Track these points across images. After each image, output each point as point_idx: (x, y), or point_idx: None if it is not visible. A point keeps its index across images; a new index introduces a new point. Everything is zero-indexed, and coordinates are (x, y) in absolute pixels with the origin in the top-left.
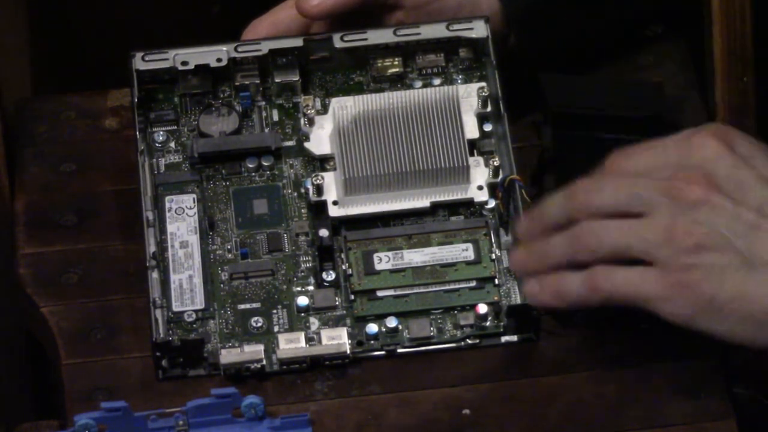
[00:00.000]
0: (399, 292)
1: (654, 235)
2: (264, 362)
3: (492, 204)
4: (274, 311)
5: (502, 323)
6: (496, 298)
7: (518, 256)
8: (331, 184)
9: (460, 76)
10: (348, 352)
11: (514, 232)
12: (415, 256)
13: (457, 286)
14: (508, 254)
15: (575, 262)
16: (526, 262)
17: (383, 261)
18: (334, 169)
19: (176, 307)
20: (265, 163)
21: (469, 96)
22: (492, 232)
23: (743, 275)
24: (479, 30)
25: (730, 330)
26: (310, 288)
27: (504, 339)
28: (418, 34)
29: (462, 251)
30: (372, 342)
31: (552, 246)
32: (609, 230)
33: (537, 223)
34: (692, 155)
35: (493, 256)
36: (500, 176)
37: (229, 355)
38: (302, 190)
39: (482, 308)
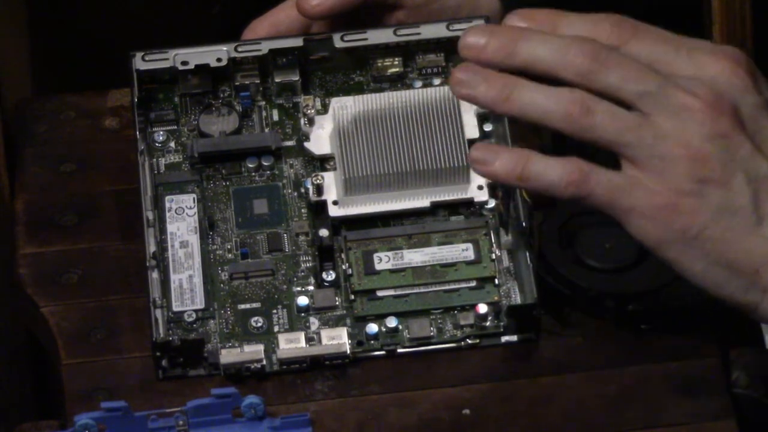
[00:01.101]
0: (399, 292)
1: (663, 145)
2: (264, 362)
3: (492, 204)
4: (274, 311)
5: (502, 323)
6: (496, 298)
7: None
8: (331, 184)
9: None
10: (348, 352)
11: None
12: (415, 256)
13: (457, 286)
14: (502, 249)
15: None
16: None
17: (383, 261)
18: (334, 169)
19: (176, 307)
20: (265, 163)
21: None
22: (492, 232)
23: (741, 222)
24: None
25: (701, 270)
26: (310, 288)
27: (504, 339)
28: (418, 34)
29: (462, 251)
30: (372, 342)
31: (536, 99)
32: (611, 117)
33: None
34: (720, 76)
35: (493, 256)
36: None
37: (229, 355)
38: (302, 190)
39: (482, 308)
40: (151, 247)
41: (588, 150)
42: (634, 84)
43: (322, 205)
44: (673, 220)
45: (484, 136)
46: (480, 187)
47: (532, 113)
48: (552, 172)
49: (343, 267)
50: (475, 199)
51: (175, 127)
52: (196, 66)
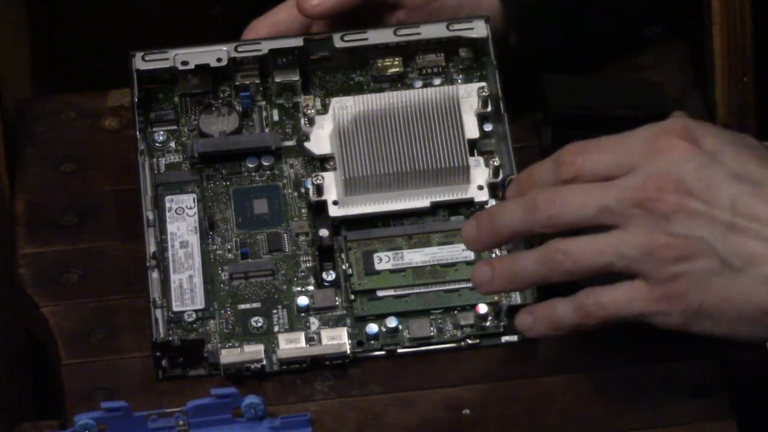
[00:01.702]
0: (399, 292)
1: (633, 250)
2: (264, 362)
3: (492, 204)
4: (274, 311)
5: (502, 323)
6: (496, 298)
7: (483, 275)
8: (331, 184)
9: (461, 76)
10: (348, 352)
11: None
12: (415, 256)
13: (457, 286)
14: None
15: (552, 282)
16: (492, 282)
17: (383, 261)
18: (334, 169)
19: (176, 307)
20: (265, 163)
21: (469, 96)
22: None
23: (727, 277)
24: (479, 30)
25: (728, 330)
26: (310, 288)
27: (504, 339)
28: (419, 34)
29: (462, 251)
30: (372, 342)
31: (524, 267)
32: (584, 251)
33: (493, 236)
34: (659, 159)
35: (493, 256)
36: (500, 176)
37: (229, 355)
38: (302, 190)
39: (482, 308)
40: (151, 247)
41: None
42: (586, 209)
43: (322, 205)
44: (676, 304)
45: (484, 135)
46: (480, 187)
47: (526, 284)
48: (567, 313)
49: (343, 267)
50: (475, 199)
51: (175, 127)
52: (196, 66)
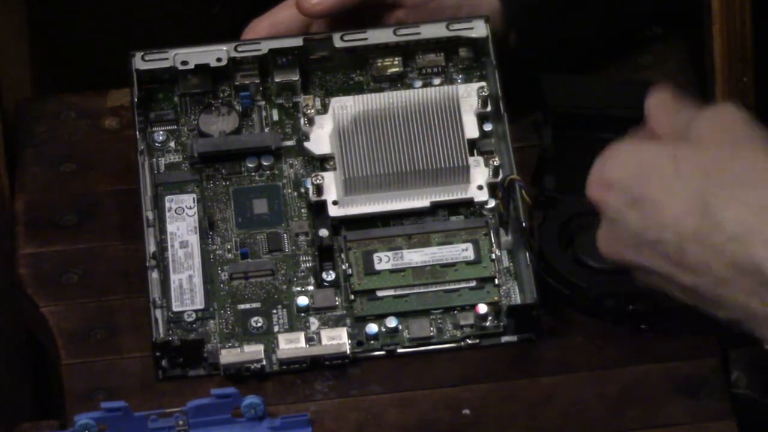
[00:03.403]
0: (399, 292)
1: None
2: (264, 362)
3: (492, 204)
4: (274, 311)
5: (502, 323)
6: (496, 298)
7: None
8: (331, 183)
9: (460, 76)
10: (348, 352)
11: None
12: (415, 256)
13: (457, 286)
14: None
15: None
16: None
17: (383, 261)
18: (334, 169)
19: (176, 307)
20: (265, 163)
21: (469, 96)
22: (492, 232)
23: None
24: (479, 30)
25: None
26: (310, 288)
27: (504, 339)
28: (418, 33)
29: (462, 251)
30: (372, 342)
31: None
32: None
33: None
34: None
35: (493, 256)
36: (500, 176)
37: (229, 355)
38: (302, 190)
39: (482, 308)
40: (151, 247)
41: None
42: None
43: (322, 205)
44: (677, 279)
45: (483, 135)
46: (480, 187)
47: None
48: None
49: (343, 267)
50: (475, 199)
51: (175, 127)
52: (196, 66)
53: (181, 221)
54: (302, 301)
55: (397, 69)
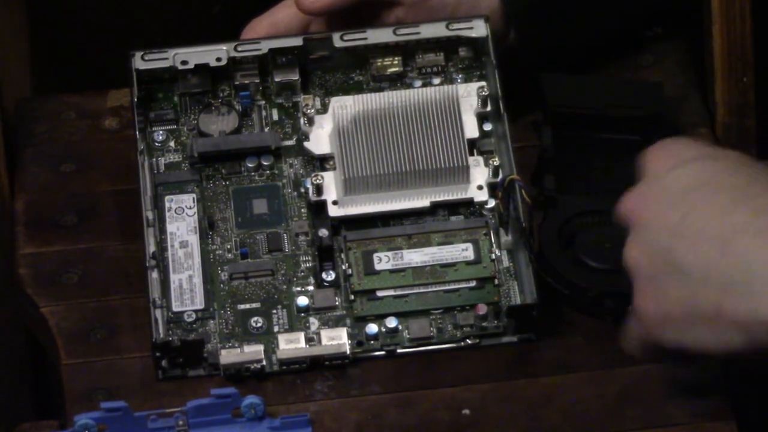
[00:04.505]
0: (399, 292)
1: None
2: (264, 362)
3: (492, 204)
4: (274, 311)
5: (502, 323)
6: (496, 298)
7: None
8: (330, 183)
9: (460, 76)
10: (348, 352)
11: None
12: (415, 256)
13: (457, 286)
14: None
15: None
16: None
17: (383, 261)
18: (334, 169)
19: (176, 307)
20: (265, 163)
21: (468, 95)
22: (492, 232)
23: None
24: (479, 29)
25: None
26: (310, 288)
27: (504, 339)
28: (418, 33)
29: (462, 251)
30: (372, 342)
31: None
32: None
33: None
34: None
35: (493, 256)
36: (500, 176)
37: (229, 355)
38: (302, 190)
39: (482, 308)
40: (151, 247)
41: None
42: None
43: (321, 205)
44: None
45: (483, 135)
46: (480, 187)
47: None
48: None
49: (343, 267)
50: (475, 199)
51: (175, 127)
52: (196, 65)
53: (181, 221)
54: (302, 301)
55: (396, 69)
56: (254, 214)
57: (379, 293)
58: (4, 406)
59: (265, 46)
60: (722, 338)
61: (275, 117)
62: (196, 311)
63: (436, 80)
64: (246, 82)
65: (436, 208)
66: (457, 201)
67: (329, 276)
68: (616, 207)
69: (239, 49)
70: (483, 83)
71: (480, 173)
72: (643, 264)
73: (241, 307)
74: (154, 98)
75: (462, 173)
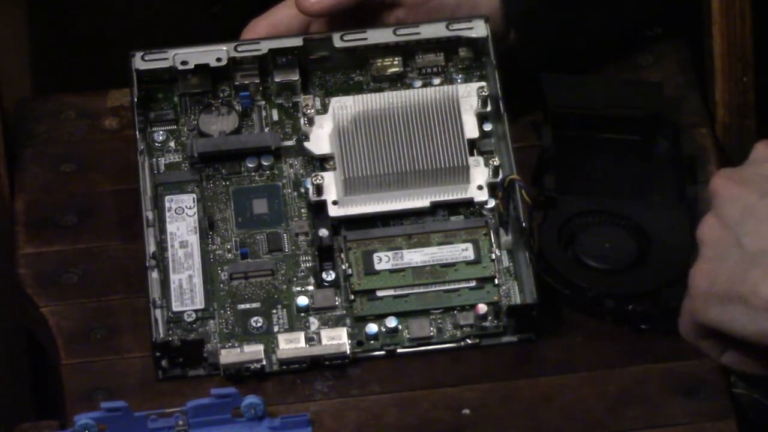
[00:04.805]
0: (399, 292)
1: None
2: (264, 362)
3: (492, 204)
4: (274, 311)
5: (502, 323)
6: (496, 298)
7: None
8: (330, 183)
9: (460, 76)
10: (348, 352)
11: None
12: (415, 256)
13: (457, 286)
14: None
15: None
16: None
17: (383, 261)
18: (334, 169)
19: (176, 307)
20: (265, 163)
21: (468, 96)
22: (492, 232)
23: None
24: (479, 29)
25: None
26: (310, 288)
27: (504, 339)
28: (418, 33)
29: (462, 251)
30: (372, 342)
31: None
32: None
33: None
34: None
35: (493, 256)
36: (500, 176)
37: (229, 355)
38: (302, 190)
39: (482, 308)
40: (151, 247)
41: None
42: None
43: (321, 205)
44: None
45: (483, 135)
46: (480, 187)
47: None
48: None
49: (343, 267)
50: (475, 199)
51: (175, 127)
52: (196, 66)
53: (181, 221)
54: (302, 301)
55: (396, 69)
56: (254, 214)
57: (379, 293)
58: (4, 406)
59: (265, 47)
60: (755, 320)
61: (275, 117)
62: (196, 311)
63: (436, 80)
64: (246, 82)
65: (436, 208)
66: (457, 201)
67: (329, 276)
68: (710, 182)
69: (239, 49)
70: (483, 83)
71: (480, 173)
72: (711, 238)
73: (241, 307)
74: (154, 98)
75: (462, 173)
